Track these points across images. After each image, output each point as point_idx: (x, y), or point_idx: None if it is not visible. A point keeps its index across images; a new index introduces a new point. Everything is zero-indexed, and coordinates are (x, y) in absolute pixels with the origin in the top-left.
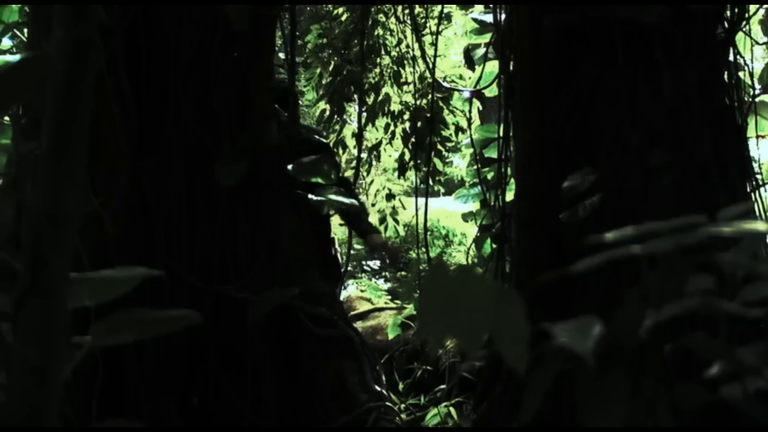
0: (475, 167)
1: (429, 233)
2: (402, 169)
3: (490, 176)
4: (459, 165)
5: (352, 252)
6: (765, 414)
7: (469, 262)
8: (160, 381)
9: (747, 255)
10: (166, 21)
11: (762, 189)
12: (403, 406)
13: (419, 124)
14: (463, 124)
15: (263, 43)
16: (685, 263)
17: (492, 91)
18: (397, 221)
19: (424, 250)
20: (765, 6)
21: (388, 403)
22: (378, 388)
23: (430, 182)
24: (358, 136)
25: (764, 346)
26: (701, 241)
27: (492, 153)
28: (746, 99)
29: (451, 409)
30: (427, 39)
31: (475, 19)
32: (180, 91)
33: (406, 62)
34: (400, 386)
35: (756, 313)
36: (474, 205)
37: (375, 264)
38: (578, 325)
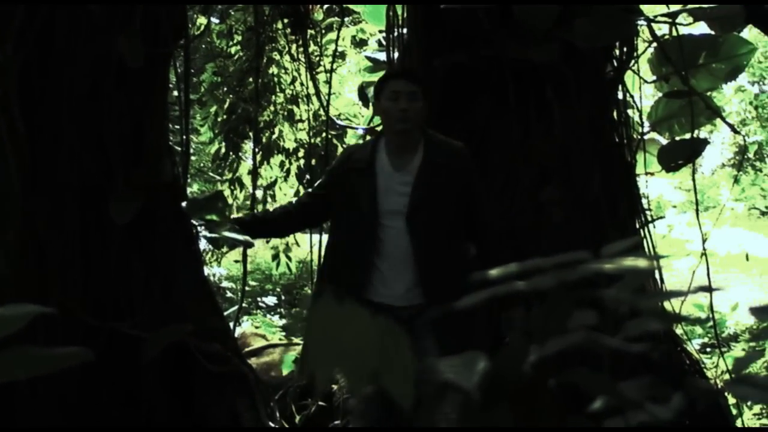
0: None
1: None
2: None
3: None
4: None
5: (247, 288)
6: None
7: None
8: (53, 419)
9: (629, 291)
10: (59, 58)
11: (651, 225)
12: None
13: (314, 161)
14: None
15: (157, 81)
16: (568, 299)
17: None
18: (289, 257)
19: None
20: (653, 45)
21: None
22: (272, 425)
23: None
24: (254, 174)
25: (647, 380)
26: (588, 277)
27: None
28: (635, 136)
29: None
30: (322, 77)
31: (368, 57)
32: (73, 127)
33: (300, 100)
34: (297, 420)
35: (637, 348)
36: None
37: (270, 300)
38: (463, 361)
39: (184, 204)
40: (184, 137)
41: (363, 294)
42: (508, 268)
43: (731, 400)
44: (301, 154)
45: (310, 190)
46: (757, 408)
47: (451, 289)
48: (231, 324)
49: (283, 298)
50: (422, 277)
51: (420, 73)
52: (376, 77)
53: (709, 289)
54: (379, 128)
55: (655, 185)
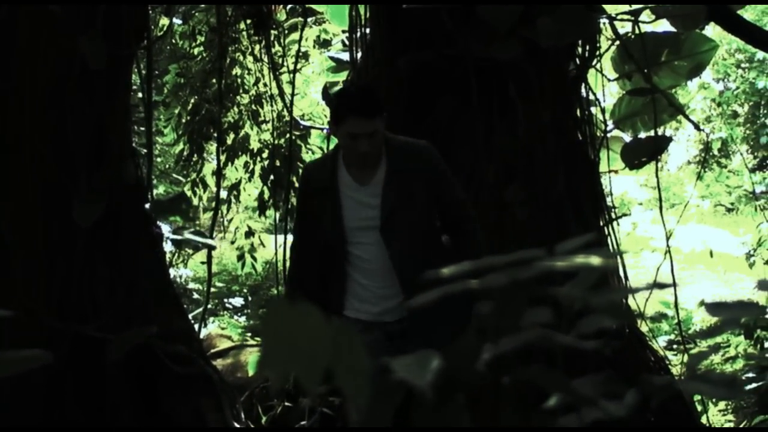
0: None
1: None
2: (262, 207)
3: None
4: None
5: (213, 290)
6: None
7: None
8: (19, 421)
9: (584, 288)
10: (22, 59)
11: (615, 222)
12: None
13: (278, 162)
14: None
15: (120, 82)
16: (521, 297)
17: None
18: (254, 258)
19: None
20: (616, 43)
21: None
22: (237, 425)
23: (291, 219)
24: (218, 175)
25: (602, 377)
26: (544, 274)
27: None
28: (598, 134)
29: None
30: (285, 77)
31: (332, 58)
32: (36, 129)
33: (264, 101)
34: (263, 421)
35: (590, 344)
36: None
37: (237, 302)
38: (417, 360)
39: (147, 205)
40: (148, 139)
41: (350, 314)
42: (462, 266)
43: (697, 396)
44: (265, 154)
45: (295, 227)
46: (722, 404)
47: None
48: (196, 325)
49: (249, 299)
50: (406, 287)
51: (376, 94)
52: (340, 77)
53: (666, 285)
54: None
55: (621, 183)
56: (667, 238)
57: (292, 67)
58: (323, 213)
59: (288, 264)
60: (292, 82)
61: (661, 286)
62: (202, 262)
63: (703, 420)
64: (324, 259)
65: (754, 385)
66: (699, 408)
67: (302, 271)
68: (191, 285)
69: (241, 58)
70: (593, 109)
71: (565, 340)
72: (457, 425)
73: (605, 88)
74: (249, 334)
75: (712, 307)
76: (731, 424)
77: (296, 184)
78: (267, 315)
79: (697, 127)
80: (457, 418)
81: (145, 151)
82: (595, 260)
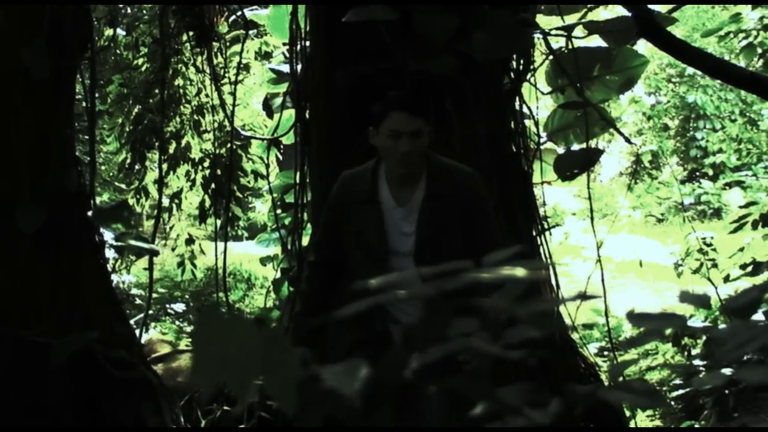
0: (276, 213)
1: (232, 277)
2: (202, 215)
3: (288, 221)
4: (261, 210)
5: (155, 296)
6: None
7: (269, 304)
8: None
9: (509, 298)
10: None
11: (547, 232)
12: None
13: (219, 171)
14: (263, 170)
15: (64, 92)
16: (448, 308)
17: (291, 139)
18: (195, 265)
19: (222, 293)
20: (549, 58)
21: None
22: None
23: (232, 227)
24: (160, 184)
25: (527, 386)
26: (472, 285)
27: (292, 198)
28: (532, 146)
29: None
30: (227, 88)
31: (272, 69)
32: None
33: (206, 111)
34: (202, 424)
35: (516, 354)
36: (276, 249)
37: (179, 307)
38: (346, 368)
39: (90, 213)
40: (91, 148)
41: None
42: (389, 277)
43: None
44: (206, 164)
45: (319, 241)
46: (650, 410)
47: None
48: (138, 331)
49: (191, 304)
50: None
51: (425, 94)
52: (280, 89)
53: (593, 297)
54: (283, 138)
55: (554, 193)
56: (598, 248)
57: (233, 78)
58: (366, 226)
59: (305, 277)
60: (233, 93)
61: (588, 297)
62: (145, 269)
63: (632, 425)
64: (355, 273)
65: (680, 391)
66: (627, 413)
67: (324, 284)
68: (134, 291)
69: (184, 69)
70: (527, 122)
71: (491, 349)
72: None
73: (539, 101)
74: (189, 340)
75: (636, 318)
76: None
77: (237, 193)
78: (198, 323)
79: (627, 140)
80: (383, 426)
81: (88, 159)
82: (520, 271)
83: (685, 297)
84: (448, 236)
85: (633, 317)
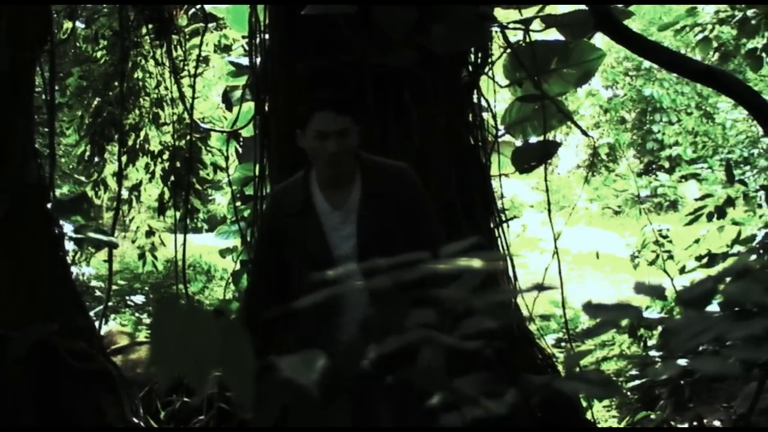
0: (235, 205)
1: (192, 269)
2: (162, 207)
3: (247, 213)
4: (221, 202)
5: (115, 287)
6: None
7: (229, 296)
8: None
9: (466, 290)
10: None
11: (505, 224)
12: None
13: (178, 163)
14: (222, 163)
15: (23, 84)
16: (405, 299)
17: (250, 131)
18: (155, 257)
19: (182, 285)
20: (507, 51)
21: None
22: (136, 420)
23: (191, 219)
24: (119, 176)
25: (483, 377)
26: (429, 277)
27: (251, 191)
28: (490, 139)
29: None
30: (186, 81)
31: (232, 62)
32: None
33: (165, 104)
34: (162, 416)
35: (472, 345)
36: (235, 241)
37: (139, 299)
38: (303, 359)
39: (49, 205)
40: (51, 140)
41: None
42: (347, 268)
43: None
44: (166, 156)
45: (259, 263)
46: (606, 401)
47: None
48: (97, 322)
49: (151, 296)
50: None
51: (350, 93)
52: (240, 81)
53: (550, 288)
54: (242, 131)
55: (512, 186)
56: (555, 240)
57: (192, 71)
58: (305, 236)
59: (241, 306)
60: (192, 86)
61: (544, 288)
62: (104, 261)
63: (588, 416)
64: (301, 288)
65: (637, 382)
66: (584, 404)
67: (267, 302)
68: (93, 283)
69: (143, 61)
70: (485, 115)
71: (448, 340)
72: (340, 424)
73: (497, 94)
74: (149, 331)
75: (591, 309)
76: (615, 420)
77: (196, 186)
78: (156, 314)
79: (584, 132)
80: (340, 416)
81: (47, 151)
82: (477, 263)
83: (641, 288)
84: (390, 235)
85: (589, 308)
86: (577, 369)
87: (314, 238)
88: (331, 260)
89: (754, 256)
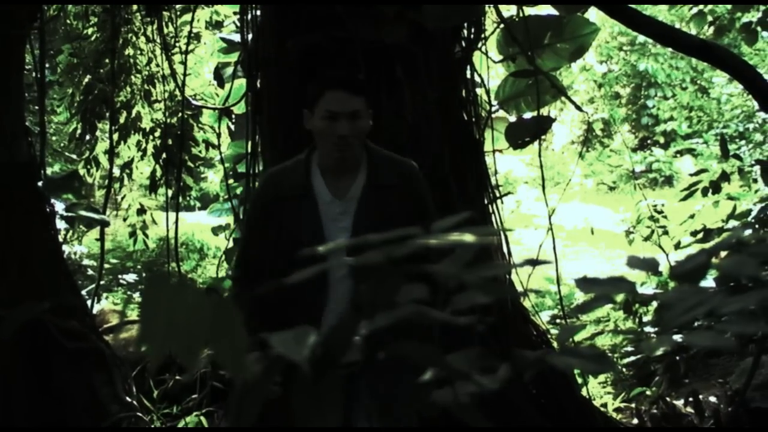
0: (228, 183)
1: (184, 247)
2: (154, 185)
3: (240, 191)
4: (214, 180)
5: (107, 266)
6: (472, 416)
7: (222, 274)
8: None
9: (458, 265)
10: None
11: (499, 200)
12: (155, 416)
13: (170, 141)
14: (214, 140)
15: (13, 62)
16: (397, 274)
17: (242, 108)
18: (146, 235)
19: (174, 264)
20: (501, 26)
21: (138, 413)
22: (129, 399)
23: (184, 197)
24: (110, 154)
25: (476, 352)
26: (421, 252)
27: (244, 168)
28: (483, 114)
29: (203, 418)
30: (177, 58)
31: (223, 39)
32: None
33: (156, 81)
34: (155, 395)
35: (464, 320)
36: (228, 219)
37: (131, 277)
38: (294, 335)
39: (41, 183)
40: (41, 118)
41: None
42: (338, 243)
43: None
44: (157, 133)
45: (246, 248)
46: (602, 377)
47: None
48: (89, 301)
49: (143, 275)
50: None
51: (362, 74)
52: (231, 58)
53: (545, 262)
54: (234, 108)
55: (506, 162)
56: (550, 216)
57: (184, 47)
58: (299, 223)
59: (234, 277)
60: (184, 63)
61: (538, 263)
62: (96, 239)
63: (584, 392)
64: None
65: (632, 358)
66: (579, 380)
67: (253, 286)
68: (86, 261)
69: (134, 38)
70: (478, 90)
71: (439, 315)
72: (333, 399)
73: (490, 69)
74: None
75: (584, 284)
76: (610, 397)
77: (189, 163)
78: (146, 291)
79: (578, 107)
80: (333, 392)
81: (38, 129)
82: (469, 237)
83: (633, 262)
84: (387, 230)
85: (582, 283)
86: (572, 345)
87: (309, 226)
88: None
89: (749, 231)
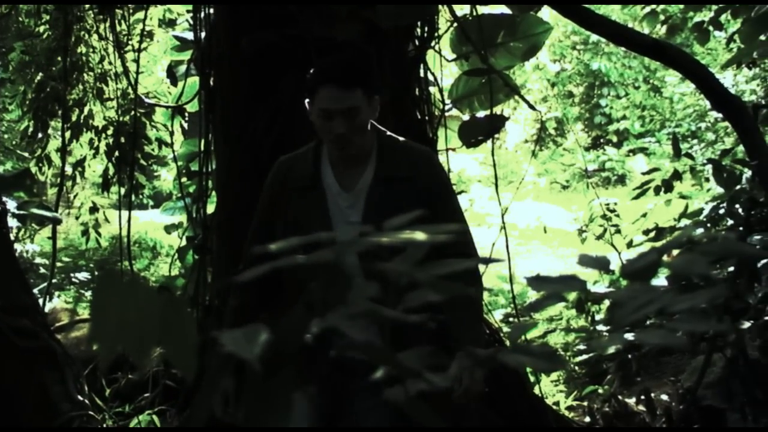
0: (181, 181)
1: (137, 245)
2: (106, 183)
3: (192, 189)
4: (167, 178)
5: (59, 264)
6: (421, 414)
7: (175, 273)
8: None
9: (410, 263)
10: None
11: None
12: (107, 415)
13: (122, 139)
14: (167, 138)
15: None
16: (347, 272)
17: (195, 106)
18: (99, 233)
19: (127, 262)
20: (454, 25)
21: (90, 412)
22: (80, 398)
23: (136, 195)
24: (63, 152)
25: (427, 351)
26: (373, 250)
27: (197, 166)
28: (436, 113)
29: (155, 417)
30: (130, 56)
31: (176, 37)
32: None
33: (109, 79)
34: (107, 393)
35: (415, 318)
36: (181, 217)
37: (84, 276)
38: (245, 333)
39: None
40: None
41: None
42: (289, 241)
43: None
44: (110, 131)
45: (254, 237)
46: (554, 375)
47: (417, 334)
48: (41, 300)
49: (96, 273)
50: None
51: (361, 63)
52: (184, 56)
53: (496, 260)
54: (187, 106)
55: (460, 161)
56: (503, 215)
57: (136, 45)
58: (307, 216)
59: (236, 291)
60: (136, 61)
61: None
62: (48, 237)
63: (536, 390)
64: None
65: (584, 356)
66: (532, 379)
67: (263, 285)
68: (38, 260)
69: (86, 36)
70: (432, 89)
71: (390, 313)
72: (287, 396)
73: (443, 68)
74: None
75: (535, 282)
76: (563, 395)
77: (141, 161)
78: (97, 289)
79: (532, 107)
80: (287, 389)
81: None
82: (420, 235)
83: (585, 260)
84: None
85: (533, 281)
86: (524, 343)
87: (316, 219)
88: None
89: (701, 230)
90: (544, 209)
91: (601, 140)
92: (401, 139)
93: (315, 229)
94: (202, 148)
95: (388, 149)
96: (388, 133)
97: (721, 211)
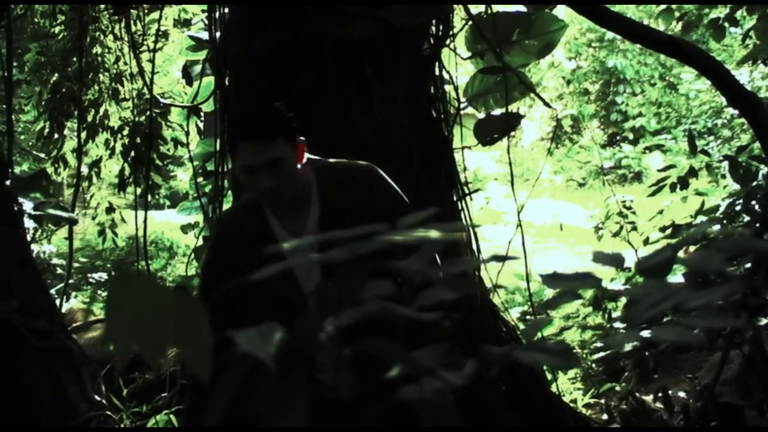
0: (197, 181)
1: (154, 245)
2: (122, 183)
3: (209, 189)
4: (183, 178)
5: (76, 265)
6: (445, 416)
7: (191, 272)
8: None
9: (424, 261)
10: None
11: (468, 197)
12: (125, 414)
13: (138, 139)
14: (183, 138)
15: None
16: (362, 271)
17: (211, 106)
18: (115, 233)
19: (144, 262)
20: (469, 23)
21: (108, 412)
22: (98, 398)
23: (153, 195)
24: (79, 152)
25: (443, 348)
26: (388, 249)
27: (213, 166)
28: (452, 111)
29: (172, 417)
30: (145, 56)
31: (191, 37)
32: None
33: (124, 79)
34: (124, 393)
35: (429, 316)
36: (197, 217)
37: (101, 276)
38: (260, 332)
39: (8, 182)
40: (9, 117)
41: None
42: (304, 240)
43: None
44: (125, 132)
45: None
46: (571, 373)
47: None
48: (58, 300)
49: (113, 273)
50: (358, 363)
51: (278, 111)
52: (199, 56)
53: (510, 258)
54: (203, 105)
55: (476, 159)
56: (519, 212)
57: (152, 45)
58: (270, 277)
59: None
60: (152, 61)
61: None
62: (65, 238)
63: (554, 388)
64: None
65: (601, 354)
66: (549, 377)
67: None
68: (55, 260)
69: (102, 36)
70: (447, 87)
71: (405, 312)
72: (300, 395)
73: (458, 66)
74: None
75: (550, 279)
76: (580, 393)
77: (157, 161)
78: (111, 289)
79: (546, 104)
80: (299, 388)
81: (6, 128)
82: (434, 233)
83: (599, 257)
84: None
85: (548, 279)
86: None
87: (279, 275)
88: (302, 298)
89: (717, 226)
90: (560, 207)
91: (617, 137)
92: (338, 164)
93: (277, 282)
94: (218, 147)
95: (329, 183)
96: (326, 161)
97: (738, 208)
